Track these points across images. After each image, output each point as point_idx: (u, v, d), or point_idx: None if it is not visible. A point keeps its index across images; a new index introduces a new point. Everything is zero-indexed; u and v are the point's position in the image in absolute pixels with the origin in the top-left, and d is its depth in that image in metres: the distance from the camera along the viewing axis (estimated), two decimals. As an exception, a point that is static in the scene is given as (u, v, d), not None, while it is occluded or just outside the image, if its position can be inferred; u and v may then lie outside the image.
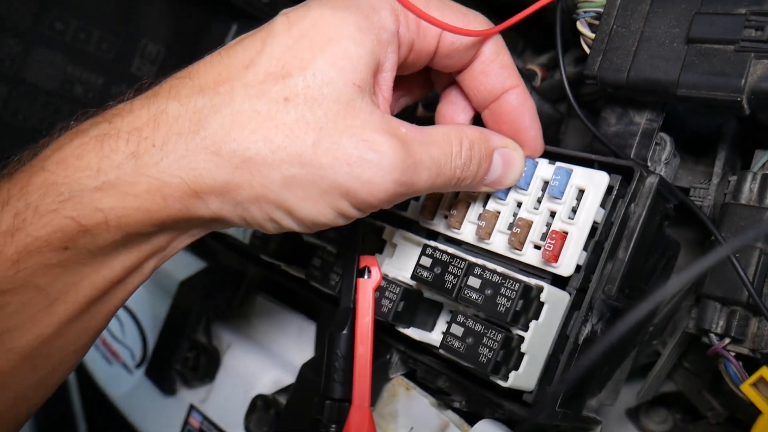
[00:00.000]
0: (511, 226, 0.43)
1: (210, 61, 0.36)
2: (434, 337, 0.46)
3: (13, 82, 0.61)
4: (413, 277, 0.43)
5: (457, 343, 0.40)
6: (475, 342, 0.39)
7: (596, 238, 0.41)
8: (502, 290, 0.39)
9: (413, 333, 0.45)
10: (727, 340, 0.41)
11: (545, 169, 0.43)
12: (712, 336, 0.42)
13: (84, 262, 0.34)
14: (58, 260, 0.33)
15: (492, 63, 0.41)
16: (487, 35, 0.40)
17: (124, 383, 0.73)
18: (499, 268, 0.40)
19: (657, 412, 0.60)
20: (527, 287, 0.38)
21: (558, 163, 0.42)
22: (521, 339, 0.39)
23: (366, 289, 0.45)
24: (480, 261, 0.41)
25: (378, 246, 0.50)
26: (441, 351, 0.41)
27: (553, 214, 0.42)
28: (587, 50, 0.46)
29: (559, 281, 0.41)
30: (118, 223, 0.33)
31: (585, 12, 0.46)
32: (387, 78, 0.38)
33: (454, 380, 0.46)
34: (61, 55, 0.63)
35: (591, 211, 0.40)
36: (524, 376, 0.39)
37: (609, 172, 0.41)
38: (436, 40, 0.39)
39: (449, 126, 0.39)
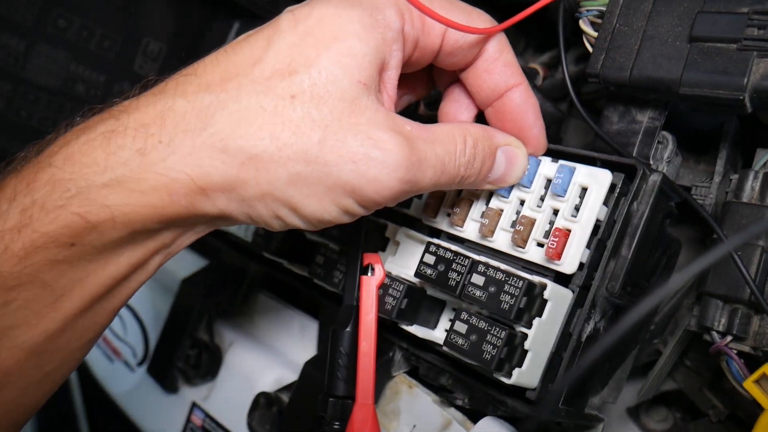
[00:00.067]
0: (514, 224, 0.43)
1: (216, 58, 0.36)
2: (437, 335, 0.46)
3: (16, 80, 0.61)
4: (417, 274, 0.43)
5: (460, 341, 0.40)
6: (478, 339, 0.39)
7: (599, 236, 0.41)
8: (506, 287, 0.39)
9: (416, 330, 0.45)
10: (729, 338, 0.42)
11: (548, 167, 0.43)
12: (714, 334, 0.42)
13: (90, 258, 0.34)
14: (64, 256, 0.33)
15: (496, 61, 0.42)
16: (492, 33, 0.40)
17: (125, 381, 0.73)
18: (503, 266, 0.40)
19: (657, 410, 0.60)
20: (531, 284, 0.39)
21: (561, 161, 0.43)
22: (525, 336, 0.39)
23: (369, 286, 0.45)
24: (483, 258, 0.41)
25: (381, 244, 0.50)
26: (445, 348, 0.41)
27: (556, 212, 0.42)
28: (590, 49, 0.46)
29: (562, 279, 0.41)
30: (125, 219, 0.33)
31: (588, 11, 0.47)
32: (392, 76, 0.38)
33: (457, 378, 0.46)
34: (64, 53, 0.63)
35: (594, 208, 0.41)
36: (528, 374, 0.40)
37: (612, 170, 0.41)
38: (440, 38, 0.39)
39: (453, 124, 0.40)
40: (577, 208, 0.41)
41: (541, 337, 0.40)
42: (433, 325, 0.47)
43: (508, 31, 0.41)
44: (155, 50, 0.68)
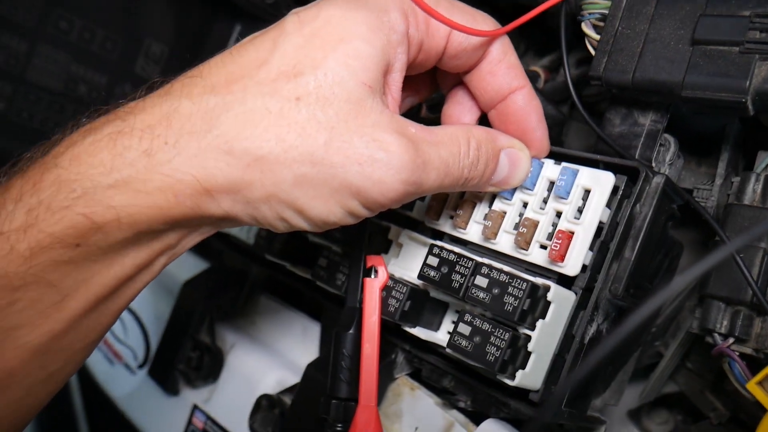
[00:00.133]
0: (517, 226, 0.43)
1: (221, 59, 0.36)
2: (440, 337, 0.46)
3: (18, 81, 0.61)
4: (420, 276, 0.43)
5: (464, 342, 0.40)
6: (482, 341, 0.39)
7: (602, 238, 0.41)
8: (510, 289, 0.39)
9: (419, 332, 0.45)
10: (731, 340, 0.42)
11: (551, 169, 0.43)
12: (716, 336, 0.42)
13: (95, 259, 0.34)
14: (69, 257, 0.33)
15: (499, 63, 0.42)
16: (495, 36, 0.40)
17: (126, 384, 0.73)
18: (506, 268, 0.40)
19: (658, 413, 0.60)
20: (534, 286, 0.39)
21: (564, 164, 0.43)
22: (528, 338, 0.39)
23: (373, 288, 0.45)
24: (487, 260, 0.41)
25: (384, 246, 0.50)
26: (448, 350, 0.41)
27: (558, 214, 0.42)
28: (592, 51, 0.46)
29: (564, 281, 0.42)
30: (130, 220, 0.33)
31: (590, 14, 0.47)
32: (396, 78, 0.38)
33: (459, 380, 0.46)
34: (66, 55, 0.63)
35: (597, 211, 0.41)
36: (531, 375, 0.40)
37: (614, 173, 0.41)
38: (444, 41, 0.39)
39: (457, 126, 0.40)
40: (580, 211, 0.41)
41: (544, 339, 0.40)
42: (436, 327, 0.47)
43: (508, 34, 0.42)
44: (157, 52, 0.68)
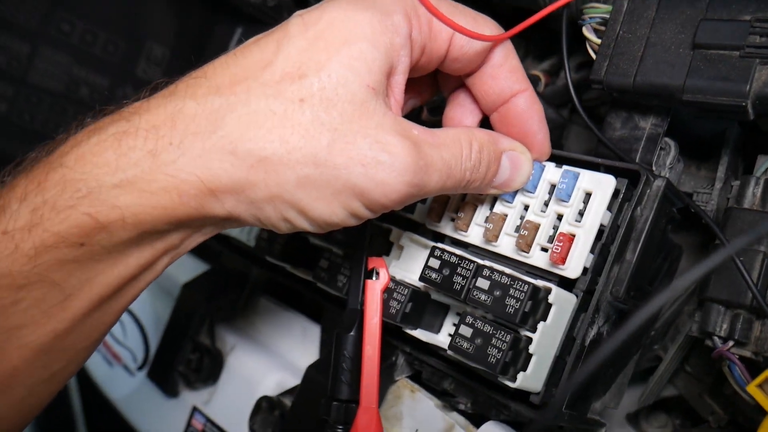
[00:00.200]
0: (518, 229, 0.43)
1: (226, 61, 0.36)
2: (441, 339, 0.46)
3: (20, 83, 0.61)
4: (421, 278, 0.44)
5: (465, 344, 0.40)
6: (483, 343, 0.39)
7: (603, 241, 0.41)
8: (511, 291, 0.39)
9: (420, 334, 0.45)
10: (730, 343, 0.42)
11: (552, 172, 0.43)
12: (716, 339, 0.42)
13: (99, 258, 0.34)
14: (73, 256, 0.33)
15: (501, 67, 0.42)
16: (499, 40, 0.40)
17: (125, 385, 0.73)
18: (507, 270, 0.40)
19: (657, 417, 0.60)
20: (536, 288, 0.39)
21: (565, 167, 0.43)
22: (529, 340, 0.40)
23: (374, 290, 0.45)
24: (488, 263, 0.41)
25: (385, 248, 0.50)
26: (449, 352, 0.41)
27: (560, 217, 0.42)
28: (593, 55, 0.47)
29: (565, 283, 0.42)
30: (135, 220, 0.33)
31: (591, 18, 0.47)
32: (399, 81, 0.38)
33: (459, 382, 0.46)
34: (68, 57, 0.63)
35: (598, 213, 0.41)
36: (532, 377, 0.40)
37: (615, 176, 0.41)
38: (447, 44, 0.40)
39: (459, 129, 0.40)
40: (581, 213, 0.42)
41: (545, 341, 0.40)
42: (437, 330, 0.47)
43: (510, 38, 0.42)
44: (159, 55, 0.68)
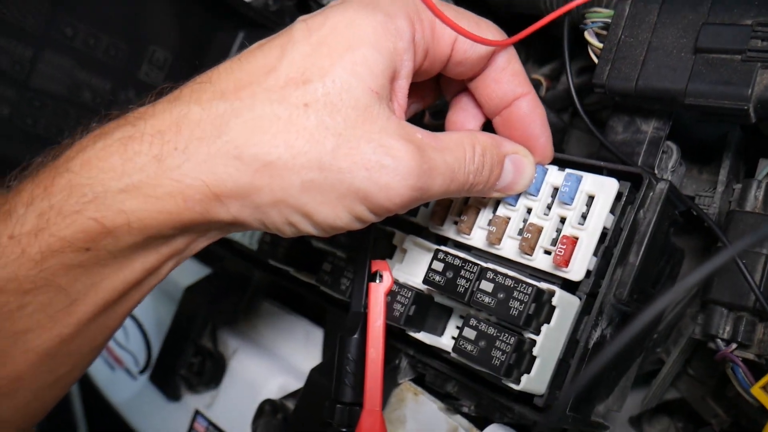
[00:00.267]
0: (521, 232, 0.43)
1: (230, 66, 0.36)
2: (444, 342, 0.46)
3: (22, 87, 0.61)
4: (425, 281, 0.44)
5: (469, 347, 0.40)
6: (487, 345, 0.40)
7: (606, 244, 0.41)
8: (515, 294, 0.39)
9: (424, 337, 0.45)
10: (733, 345, 0.42)
11: (555, 175, 0.43)
12: (719, 341, 0.43)
13: (105, 263, 0.34)
14: (79, 261, 0.33)
15: (504, 71, 0.42)
16: (503, 45, 0.40)
17: (127, 389, 0.73)
18: (511, 273, 0.41)
19: (659, 420, 0.60)
20: (540, 291, 0.39)
21: (568, 170, 0.43)
22: (533, 342, 0.40)
23: (378, 293, 0.45)
24: (492, 265, 0.42)
25: (388, 251, 0.50)
26: (453, 354, 0.41)
27: (563, 220, 0.42)
28: (595, 60, 0.47)
29: (569, 286, 0.42)
30: (140, 225, 0.34)
31: (593, 22, 0.47)
32: (403, 85, 0.39)
33: (463, 384, 0.47)
34: (70, 61, 0.63)
35: (601, 216, 0.41)
36: (536, 380, 0.40)
37: (618, 179, 0.42)
38: (449, 48, 0.40)
39: (462, 132, 0.40)
40: (584, 216, 0.42)
41: (549, 343, 0.40)
42: (440, 332, 0.47)
43: (511, 42, 0.42)
44: (161, 58, 0.68)
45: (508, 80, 0.42)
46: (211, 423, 0.63)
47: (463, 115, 0.45)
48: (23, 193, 0.34)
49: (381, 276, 0.46)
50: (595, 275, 0.41)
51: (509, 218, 0.44)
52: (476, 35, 0.38)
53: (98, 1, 0.63)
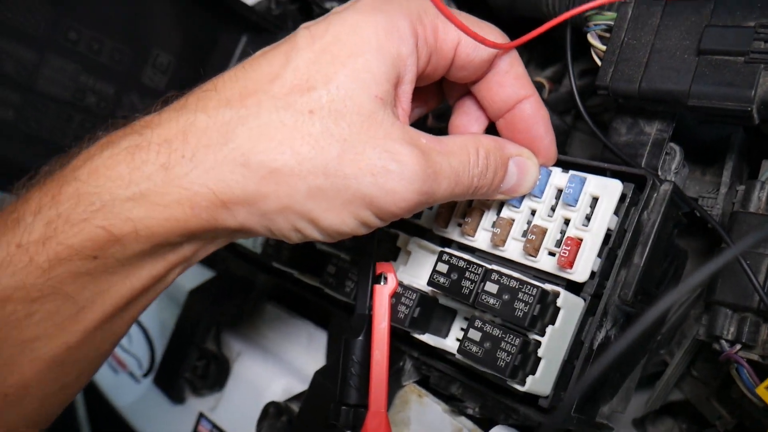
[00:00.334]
0: (525, 233, 0.44)
1: (235, 74, 0.36)
2: (449, 344, 0.46)
3: (27, 91, 0.62)
4: (430, 283, 0.44)
5: (474, 348, 0.40)
6: (492, 346, 0.40)
7: (610, 245, 0.41)
8: (520, 295, 0.39)
9: (428, 339, 0.46)
10: (738, 346, 0.42)
11: (559, 177, 0.43)
12: (723, 342, 0.43)
13: (112, 270, 0.34)
14: (87, 269, 0.33)
15: (507, 74, 0.42)
16: (508, 48, 0.41)
17: (130, 392, 0.73)
18: (516, 274, 0.41)
19: (663, 421, 0.60)
20: (544, 292, 0.39)
21: (572, 171, 0.43)
22: (538, 344, 0.40)
23: (382, 295, 0.45)
24: (496, 267, 0.42)
25: (392, 253, 0.50)
26: (458, 356, 0.42)
27: (567, 222, 0.43)
28: (598, 62, 0.47)
29: (573, 287, 0.42)
30: (148, 232, 0.34)
31: (596, 25, 0.48)
32: (406, 90, 0.39)
33: (468, 386, 0.47)
34: (74, 65, 0.64)
35: (605, 218, 0.41)
36: (541, 381, 0.40)
37: (622, 181, 0.42)
38: (452, 52, 0.40)
39: (466, 136, 0.40)
40: (588, 218, 0.42)
41: (554, 344, 0.40)
42: (445, 334, 0.47)
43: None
44: (164, 62, 0.69)
45: (511, 83, 0.42)
46: (215, 426, 0.63)
47: (466, 118, 0.45)
48: (31, 201, 0.34)
49: (386, 278, 0.46)
50: (600, 276, 0.41)
51: (513, 220, 0.44)
52: (481, 36, 0.38)
53: (102, 5, 0.63)
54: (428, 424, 0.50)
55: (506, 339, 0.39)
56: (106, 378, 0.78)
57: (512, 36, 0.41)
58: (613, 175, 0.43)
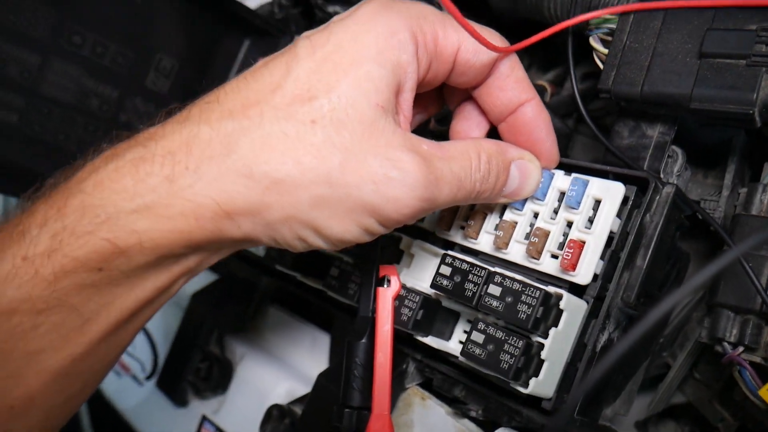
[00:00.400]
0: (528, 236, 0.44)
1: (237, 85, 0.36)
2: (452, 346, 0.46)
3: (30, 94, 0.62)
4: (433, 285, 0.44)
5: (478, 350, 0.40)
6: (496, 349, 0.40)
7: (612, 248, 0.42)
8: (523, 297, 0.39)
9: (432, 341, 0.46)
10: (740, 348, 0.42)
11: (561, 180, 0.44)
12: (726, 344, 0.43)
13: (117, 282, 0.34)
14: (92, 281, 0.34)
15: (508, 78, 0.42)
16: (510, 52, 0.41)
17: (133, 395, 0.73)
18: (519, 276, 0.41)
19: (665, 424, 0.60)
20: (547, 294, 0.39)
21: (574, 174, 0.43)
22: (541, 346, 0.40)
23: (386, 297, 0.45)
24: (499, 270, 0.42)
25: (395, 256, 0.50)
26: (461, 358, 0.42)
27: (569, 224, 0.43)
28: (600, 65, 0.47)
29: (576, 290, 0.42)
30: (152, 244, 0.34)
31: (597, 28, 0.48)
32: (407, 98, 0.39)
33: (471, 389, 0.47)
34: (78, 68, 0.64)
35: (608, 220, 0.41)
36: (544, 383, 0.40)
37: (624, 183, 0.42)
38: (452, 58, 0.40)
39: (467, 140, 0.40)
40: (590, 220, 0.42)
41: (557, 347, 0.40)
42: (448, 337, 0.47)
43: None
44: (167, 66, 0.69)
45: (512, 87, 0.42)
46: (218, 428, 0.63)
47: (467, 123, 0.45)
48: (37, 214, 0.34)
49: (389, 281, 0.46)
50: (602, 279, 0.41)
51: (516, 223, 0.44)
52: (484, 38, 0.38)
53: (106, 9, 0.64)
54: (431, 427, 0.50)
55: (509, 341, 0.39)
56: (109, 381, 0.78)
57: (513, 40, 0.41)
58: (616, 177, 0.43)
